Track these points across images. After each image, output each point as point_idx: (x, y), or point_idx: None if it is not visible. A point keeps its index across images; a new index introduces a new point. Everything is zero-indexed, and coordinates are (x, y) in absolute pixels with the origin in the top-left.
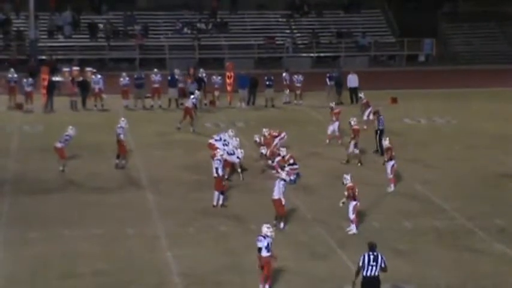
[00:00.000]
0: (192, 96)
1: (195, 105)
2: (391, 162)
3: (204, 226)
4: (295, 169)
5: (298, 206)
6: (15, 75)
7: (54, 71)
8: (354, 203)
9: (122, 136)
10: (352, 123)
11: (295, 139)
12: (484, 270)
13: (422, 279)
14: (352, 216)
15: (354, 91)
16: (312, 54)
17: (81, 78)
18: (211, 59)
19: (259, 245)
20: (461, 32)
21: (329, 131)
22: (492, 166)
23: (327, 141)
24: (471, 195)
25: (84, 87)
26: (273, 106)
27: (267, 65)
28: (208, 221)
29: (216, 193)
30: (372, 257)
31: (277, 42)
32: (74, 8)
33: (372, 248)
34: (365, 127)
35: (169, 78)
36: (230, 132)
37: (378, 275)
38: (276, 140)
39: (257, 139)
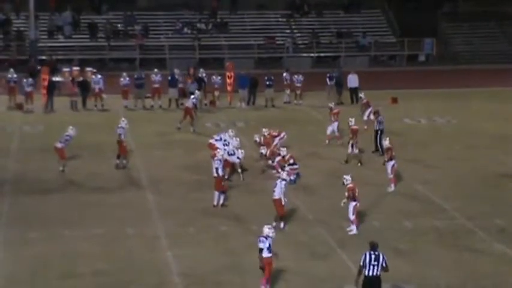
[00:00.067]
0: (192, 96)
1: (195, 105)
2: (392, 162)
3: (204, 226)
4: (295, 169)
5: (298, 206)
6: (15, 76)
7: (54, 71)
8: (353, 203)
9: (122, 136)
10: (351, 123)
11: (295, 139)
12: (484, 270)
13: (422, 279)
14: (352, 216)
15: (354, 91)
16: (312, 54)
17: (81, 78)
18: (211, 59)
19: (261, 246)
20: (462, 31)
21: (328, 132)
22: (492, 166)
23: (327, 141)
24: (471, 195)
25: (85, 87)
26: (273, 106)
27: (267, 65)
28: (209, 221)
29: (216, 193)
30: (373, 256)
31: (277, 42)
32: (74, 8)
33: (373, 247)
34: (365, 127)
35: (169, 78)
36: (230, 132)
37: (380, 274)
38: (276, 140)
39: (257, 139)
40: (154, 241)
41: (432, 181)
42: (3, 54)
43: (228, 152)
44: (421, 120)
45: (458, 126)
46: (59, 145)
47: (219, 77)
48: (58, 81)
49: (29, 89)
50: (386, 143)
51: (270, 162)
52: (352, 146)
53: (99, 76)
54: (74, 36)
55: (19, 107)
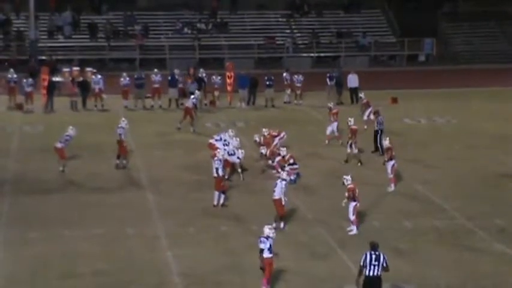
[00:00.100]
0: (192, 96)
1: (195, 105)
2: (392, 162)
3: (204, 226)
4: (295, 169)
5: (298, 206)
6: (15, 76)
7: (54, 71)
8: (353, 203)
9: (122, 136)
10: (350, 123)
11: (295, 139)
12: (484, 270)
13: (422, 279)
14: (352, 217)
15: (354, 91)
16: (312, 54)
17: (81, 79)
18: (211, 59)
19: (262, 246)
20: (461, 31)
21: (328, 132)
22: (492, 166)
23: (326, 141)
24: (471, 195)
25: (85, 87)
26: (273, 106)
27: (267, 65)
28: (209, 221)
29: (217, 193)
30: (373, 256)
31: (277, 42)
32: (74, 8)
33: (373, 247)
34: (365, 127)
35: (169, 78)
36: (230, 132)
37: (380, 275)
38: (276, 140)
39: (257, 139)
40: (154, 241)
41: (432, 181)
42: (3, 54)
43: (228, 152)
44: (421, 120)
45: (458, 126)
46: (59, 145)
47: (219, 77)
48: (58, 82)
49: (29, 89)
50: (386, 142)
51: (270, 162)
52: (351, 146)
53: (99, 76)
54: (74, 37)
55: (19, 107)
